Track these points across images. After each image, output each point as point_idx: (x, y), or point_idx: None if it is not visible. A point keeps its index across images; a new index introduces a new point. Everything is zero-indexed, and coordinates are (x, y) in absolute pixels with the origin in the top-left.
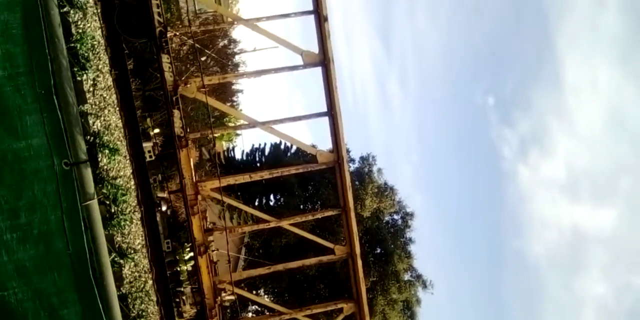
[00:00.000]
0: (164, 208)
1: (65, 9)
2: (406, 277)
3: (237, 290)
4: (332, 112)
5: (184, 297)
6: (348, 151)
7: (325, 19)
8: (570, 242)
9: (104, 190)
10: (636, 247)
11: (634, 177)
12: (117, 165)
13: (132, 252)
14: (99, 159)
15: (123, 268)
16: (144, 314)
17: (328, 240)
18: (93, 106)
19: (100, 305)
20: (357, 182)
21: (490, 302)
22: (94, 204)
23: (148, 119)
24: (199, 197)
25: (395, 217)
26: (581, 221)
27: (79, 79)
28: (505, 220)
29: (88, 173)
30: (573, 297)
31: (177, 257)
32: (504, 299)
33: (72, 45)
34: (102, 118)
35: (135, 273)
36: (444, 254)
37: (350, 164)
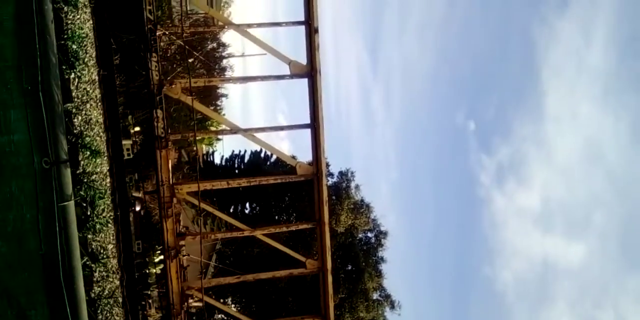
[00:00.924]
0: (137, 208)
1: (59, 5)
2: (375, 296)
3: (205, 298)
4: (314, 124)
5: (150, 301)
6: (327, 165)
7: (316, 31)
8: (539, 273)
9: (82, 192)
10: (604, 282)
11: (607, 212)
12: (94, 161)
13: (103, 251)
14: (80, 160)
15: (94, 272)
16: (111, 319)
17: (300, 254)
18: (75, 99)
19: (69, 310)
20: (334, 197)
21: None
22: (71, 205)
23: (129, 117)
24: (175, 199)
25: (369, 234)
26: (552, 253)
27: (66, 77)
28: (477, 246)
29: (67, 173)
30: None
31: (147, 259)
32: None
33: (63, 42)
34: (84, 112)
35: (104, 273)
36: (414, 276)
37: (329, 178)
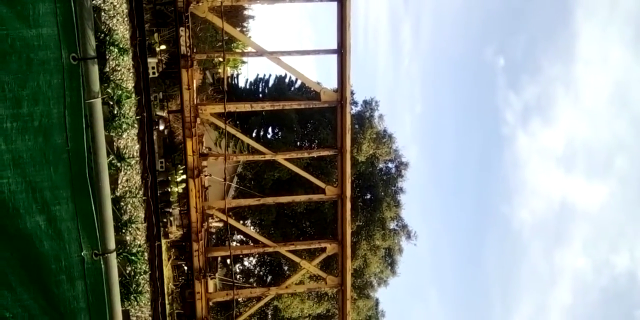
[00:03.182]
0: (161, 127)
1: None
2: (392, 225)
3: (225, 218)
4: (341, 51)
5: (171, 218)
6: (352, 93)
7: None
8: (557, 213)
9: (109, 90)
10: (621, 226)
11: (630, 157)
12: (120, 75)
13: (128, 152)
14: (107, 58)
15: (119, 172)
16: (134, 219)
17: (320, 180)
18: (102, 13)
19: (93, 206)
20: (356, 126)
21: (470, 261)
22: (98, 102)
23: (155, 34)
24: (198, 120)
25: (390, 165)
26: (571, 194)
27: None
28: (497, 184)
29: (95, 70)
30: (551, 268)
31: (169, 178)
32: (484, 260)
33: None
34: (110, 26)
35: (129, 182)
36: (432, 209)
37: (353, 107)
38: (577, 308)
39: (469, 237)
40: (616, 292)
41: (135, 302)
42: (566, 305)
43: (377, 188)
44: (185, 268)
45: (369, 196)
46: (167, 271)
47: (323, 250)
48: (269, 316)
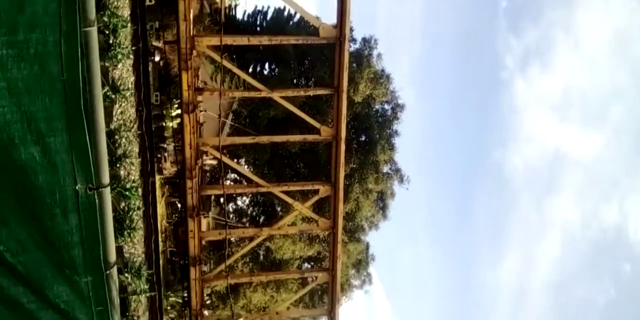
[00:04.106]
0: (157, 58)
1: None
2: (385, 169)
3: (219, 155)
4: None
5: (165, 154)
6: (351, 30)
7: None
8: (549, 162)
9: (105, 18)
10: (613, 178)
11: (626, 107)
12: (116, 2)
13: (123, 84)
14: None
15: (114, 104)
16: (128, 154)
17: (316, 120)
18: None
19: (88, 138)
20: (354, 64)
21: (461, 207)
22: (93, 31)
23: None
24: (194, 52)
25: (386, 106)
26: (565, 143)
27: None
28: (492, 129)
29: None
30: (542, 217)
31: (164, 112)
32: (475, 207)
33: None
34: None
35: (123, 115)
36: (425, 153)
37: (351, 44)
38: (565, 260)
39: (461, 182)
40: (604, 245)
41: (129, 239)
42: (554, 257)
43: (372, 130)
44: (179, 205)
45: (363, 138)
46: (161, 208)
47: (316, 192)
48: (261, 257)
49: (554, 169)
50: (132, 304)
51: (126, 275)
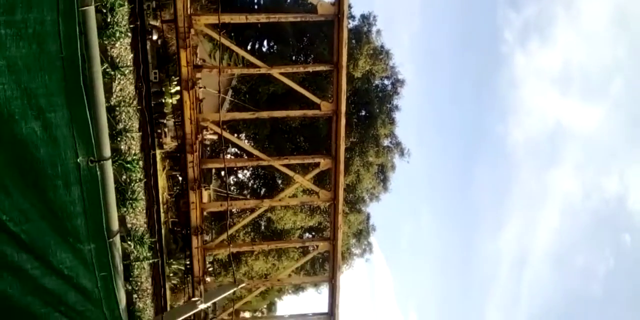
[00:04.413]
0: (154, 37)
1: None
2: (385, 142)
3: (219, 130)
4: None
5: (165, 129)
6: (350, 6)
7: None
8: (550, 134)
9: None
10: (613, 149)
11: (626, 80)
12: None
13: (122, 61)
14: None
15: (113, 81)
16: (128, 128)
17: (315, 95)
18: None
19: (88, 113)
20: (353, 41)
21: (462, 180)
22: (91, 10)
23: None
24: (192, 30)
25: (386, 82)
26: (566, 115)
27: None
28: (493, 103)
29: None
30: (542, 189)
31: (163, 89)
32: (475, 179)
33: None
34: None
35: (123, 92)
36: (426, 127)
37: (350, 21)
38: (564, 231)
39: (462, 155)
40: (605, 216)
41: (131, 209)
42: (555, 227)
43: (372, 105)
44: (180, 178)
45: (363, 113)
46: (162, 181)
47: (317, 165)
48: (262, 227)
49: (554, 141)
50: (136, 270)
51: (129, 243)
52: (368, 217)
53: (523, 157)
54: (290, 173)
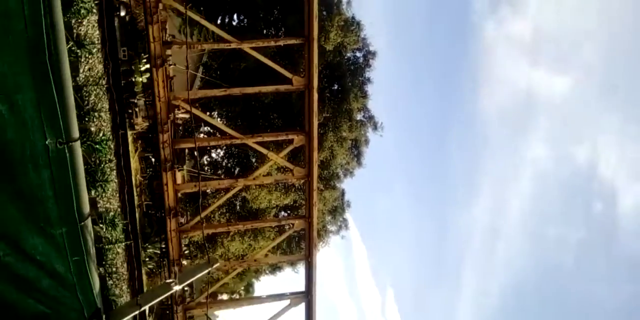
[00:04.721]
0: (122, 13)
1: None
2: (358, 116)
3: (191, 109)
4: None
5: (136, 109)
6: None
7: None
8: (521, 104)
9: None
10: (584, 118)
11: (596, 48)
12: None
13: (88, 40)
14: None
15: (80, 59)
16: (97, 108)
17: (287, 70)
18: None
19: (55, 92)
20: (324, 12)
21: (434, 151)
22: None
23: None
24: (160, 5)
25: (358, 54)
26: (536, 84)
27: None
28: (463, 73)
29: None
30: (514, 158)
31: (133, 67)
32: (448, 151)
33: None
34: None
35: (91, 71)
36: (398, 99)
37: None
38: (537, 199)
39: (434, 127)
40: (576, 184)
41: (102, 191)
42: (527, 195)
43: (344, 78)
44: (153, 160)
45: (336, 87)
46: (135, 163)
47: (290, 142)
48: (238, 207)
49: (526, 110)
50: (110, 255)
51: (101, 226)
52: (343, 193)
53: (494, 126)
54: (264, 151)
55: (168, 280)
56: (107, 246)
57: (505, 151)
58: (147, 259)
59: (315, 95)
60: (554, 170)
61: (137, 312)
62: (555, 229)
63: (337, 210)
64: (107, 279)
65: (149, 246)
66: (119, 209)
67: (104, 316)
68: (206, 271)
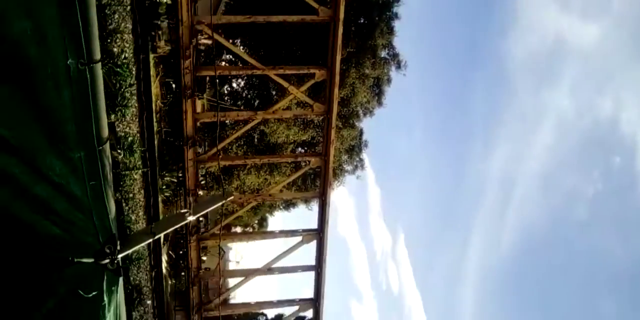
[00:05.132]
0: None
1: None
2: (383, 53)
3: (214, 35)
4: None
5: (159, 32)
6: None
7: None
8: (548, 51)
9: None
10: (611, 69)
11: None
12: None
13: None
14: None
15: None
16: (121, 29)
17: (314, 0)
18: None
19: (78, 10)
20: None
21: (457, 96)
22: None
23: None
24: None
25: None
26: (565, 32)
27: None
28: (491, 17)
29: None
30: (537, 105)
31: None
32: (471, 96)
33: None
34: None
35: None
36: (424, 39)
37: None
38: (556, 149)
39: (459, 70)
40: (597, 137)
41: (122, 115)
42: (546, 147)
43: (372, 12)
44: (173, 86)
45: (362, 21)
46: (155, 88)
47: (311, 76)
48: (255, 140)
49: (552, 58)
50: (127, 181)
51: (119, 151)
52: (361, 133)
53: (520, 73)
54: (285, 84)
55: (183, 210)
56: (124, 172)
57: (529, 98)
58: (163, 187)
59: (341, 28)
60: (576, 121)
61: (150, 240)
62: (571, 180)
63: (354, 149)
64: (124, 204)
65: (167, 174)
66: (137, 135)
67: (118, 242)
68: (221, 204)
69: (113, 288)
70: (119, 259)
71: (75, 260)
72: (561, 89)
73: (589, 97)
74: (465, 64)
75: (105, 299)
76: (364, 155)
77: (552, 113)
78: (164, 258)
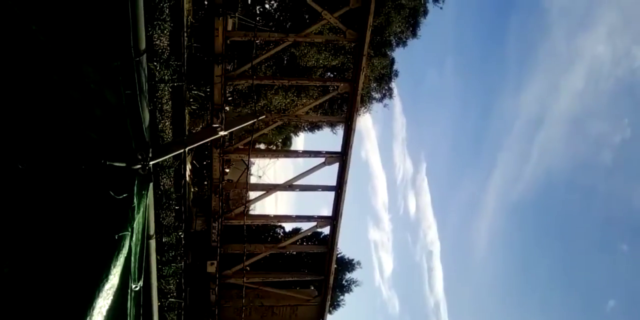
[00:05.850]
0: None
1: None
2: None
3: None
4: None
5: None
6: None
7: None
8: None
9: None
10: None
11: None
12: None
13: None
14: None
15: None
16: None
17: None
18: None
19: None
20: None
21: (492, 34)
22: None
23: None
24: None
25: None
26: None
27: None
28: None
29: None
30: (572, 50)
31: None
32: (505, 35)
33: None
34: None
35: None
36: None
37: None
38: (586, 96)
39: (496, 8)
40: (630, 85)
41: (159, 29)
42: (577, 90)
43: None
44: (206, 2)
45: None
46: (187, 4)
47: (346, 2)
48: (285, 62)
49: (591, 2)
50: (159, 91)
51: (155, 64)
52: (392, 62)
53: (557, 15)
54: (319, 8)
55: (214, 125)
56: (158, 84)
57: (564, 41)
58: (191, 100)
59: None
60: (610, 68)
61: (181, 151)
62: (599, 126)
63: (383, 78)
64: (157, 114)
65: (195, 88)
66: (169, 48)
67: (150, 150)
68: (251, 122)
69: (143, 192)
70: (150, 166)
71: (107, 163)
72: (598, 34)
73: (626, 44)
74: (504, 1)
75: (135, 201)
76: (393, 85)
77: (586, 57)
78: (188, 166)
